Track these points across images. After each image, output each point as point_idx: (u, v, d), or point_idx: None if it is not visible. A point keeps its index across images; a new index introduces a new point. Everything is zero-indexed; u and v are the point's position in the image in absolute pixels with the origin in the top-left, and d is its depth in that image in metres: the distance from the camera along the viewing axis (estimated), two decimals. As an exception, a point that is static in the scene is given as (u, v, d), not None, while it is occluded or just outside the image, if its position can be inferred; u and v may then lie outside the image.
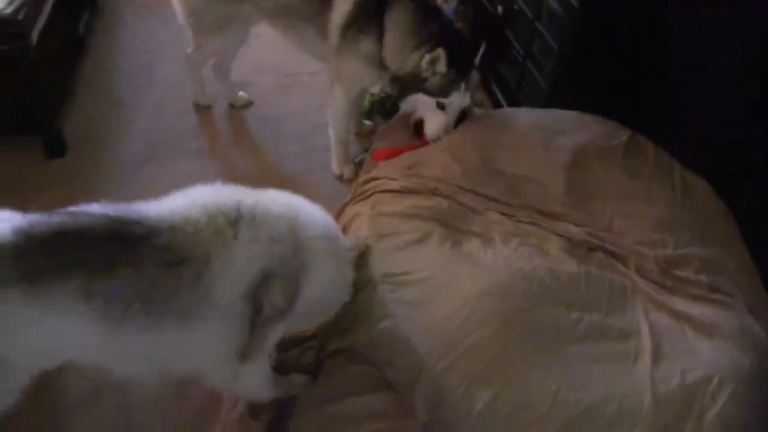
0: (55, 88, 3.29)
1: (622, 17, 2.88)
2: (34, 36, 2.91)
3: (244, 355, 1.81)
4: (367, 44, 2.79)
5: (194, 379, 2.06)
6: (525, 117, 2.88)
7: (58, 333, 1.63)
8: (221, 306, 1.71)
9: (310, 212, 1.93)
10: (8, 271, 1.54)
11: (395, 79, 2.82)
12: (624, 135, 2.79)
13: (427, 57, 2.67)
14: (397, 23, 2.74)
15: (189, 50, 3.28)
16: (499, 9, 3.64)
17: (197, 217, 1.71)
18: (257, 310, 1.75)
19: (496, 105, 3.60)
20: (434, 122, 2.77)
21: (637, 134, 2.82)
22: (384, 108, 3.40)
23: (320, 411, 1.93)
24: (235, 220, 1.73)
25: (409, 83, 2.76)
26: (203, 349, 1.79)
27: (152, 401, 2.28)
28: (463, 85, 2.75)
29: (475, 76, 2.85)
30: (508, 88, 3.57)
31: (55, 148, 3.15)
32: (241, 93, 3.62)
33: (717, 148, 2.75)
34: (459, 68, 2.73)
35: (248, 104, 3.61)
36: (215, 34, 3.11)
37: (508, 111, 3.22)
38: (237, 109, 3.59)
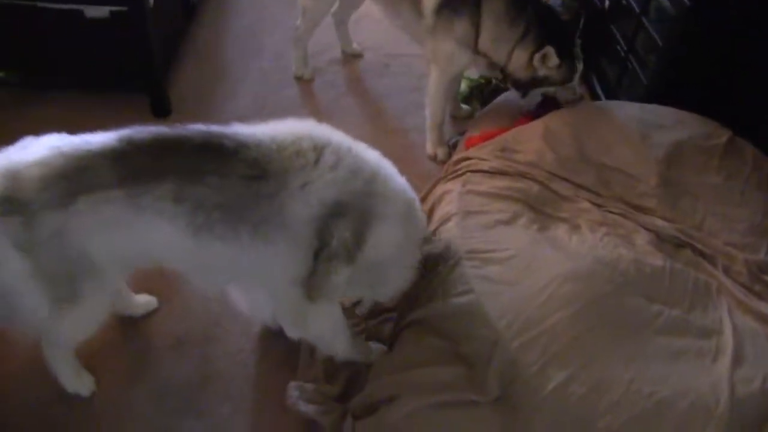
0: (166, 50, 3.42)
1: (734, 19, 2.83)
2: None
3: (312, 290, 1.87)
4: (461, 26, 2.80)
5: (274, 329, 2.14)
6: (623, 110, 2.85)
7: (150, 234, 1.75)
8: (291, 225, 1.78)
9: (396, 177, 1.98)
10: (109, 172, 1.68)
11: (508, 76, 2.87)
12: (723, 135, 2.75)
13: (537, 57, 2.71)
14: (492, 11, 2.75)
15: (298, 22, 3.37)
16: (606, 3, 3.61)
17: (284, 138, 1.80)
18: (325, 242, 1.80)
19: (595, 99, 3.57)
20: None
21: (736, 136, 2.78)
22: (482, 93, 3.42)
23: (392, 378, 1.98)
24: (320, 147, 1.80)
25: (528, 82, 2.81)
26: (272, 267, 1.87)
27: (232, 355, 2.36)
28: (578, 63, 2.81)
29: (580, 57, 2.86)
30: (608, 82, 3.54)
31: (161, 107, 3.28)
32: (355, 45, 3.77)
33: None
34: (569, 54, 2.77)
35: (360, 55, 3.78)
36: None
37: (606, 103, 3.20)
38: (348, 56, 3.76)
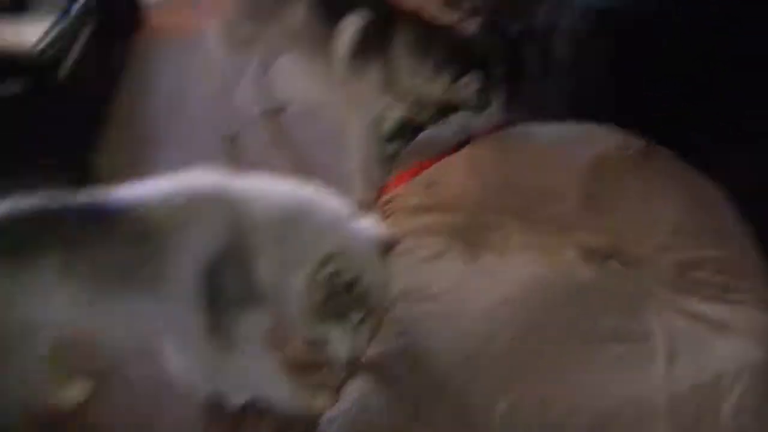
0: (88, 124, 3.39)
1: (638, 34, 2.96)
2: (64, 70, 3.01)
3: (222, 341, 1.88)
4: (375, 71, 2.84)
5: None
6: (541, 131, 2.97)
7: (46, 305, 1.76)
8: (180, 280, 1.80)
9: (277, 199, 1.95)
10: None
11: (427, 106, 2.91)
12: (639, 145, 2.86)
13: (455, 86, 2.77)
14: (406, 49, 2.79)
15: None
16: (516, 29, 3.71)
17: (167, 194, 1.85)
18: (218, 291, 1.82)
19: (516, 123, 3.65)
20: None
21: (651, 144, 2.89)
22: (405, 131, 3.47)
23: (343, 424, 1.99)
24: (201, 200, 1.85)
25: (446, 108, 2.86)
26: (170, 323, 1.89)
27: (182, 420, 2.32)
28: (496, 91, 2.85)
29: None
30: (527, 105, 3.64)
31: (85, 178, 3.10)
32: (278, 96, 3.77)
33: (726, 155, 2.81)
34: (489, 77, 2.82)
35: (283, 107, 3.78)
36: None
37: (525, 127, 3.28)
38: (272, 109, 3.76)
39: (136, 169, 3.28)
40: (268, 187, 1.96)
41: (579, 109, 3.12)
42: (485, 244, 2.41)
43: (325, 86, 3.17)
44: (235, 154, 3.51)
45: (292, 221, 1.89)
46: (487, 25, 3.92)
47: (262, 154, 3.52)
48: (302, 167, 3.43)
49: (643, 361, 2.08)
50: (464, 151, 2.84)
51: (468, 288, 2.18)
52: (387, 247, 1.92)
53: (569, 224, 2.54)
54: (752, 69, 2.80)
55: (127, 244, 1.79)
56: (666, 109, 3.01)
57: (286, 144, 3.64)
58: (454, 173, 2.69)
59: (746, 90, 2.81)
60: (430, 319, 2.10)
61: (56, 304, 1.77)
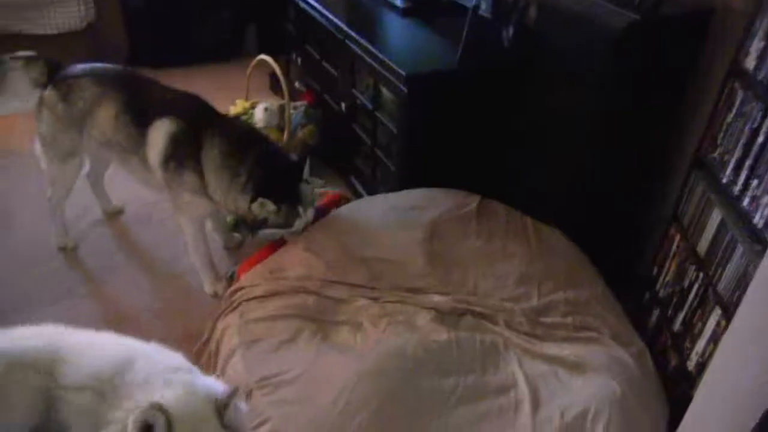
0: None
1: (449, 97, 3.08)
2: None
3: None
4: (190, 177, 2.81)
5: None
6: (377, 203, 3.00)
7: None
8: None
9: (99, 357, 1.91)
10: None
11: (240, 218, 2.89)
12: (473, 201, 2.94)
13: (255, 205, 2.71)
14: (212, 162, 2.77)
15: (48, 193, 3.28)
16: (343, 106, 3.79)
17: None
18: None
19: (358, 196, 3.70)
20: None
21: (485, 198, 2.98)
22: (247, 221, 3.45)
23: None
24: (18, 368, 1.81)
25: (254, 223, 2.80)
26: None
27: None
28: (300, 210, 2.78)
29: (307, 191, 2.87)
30: (365, 178, 3.69)
31: None
32: (114, 202, 3.68)
33: (561, 199, 2.95)
34: (290, 201, 2.77)
35: (121, 210, 3.69)
36: (64, 165, 3.15)
37: (361, 201, 3.32)
38: (110, 214, 3.66)
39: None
40: (95, 345, 1.94)
41: (412, 176, 3.19)
42: (336, 320, 2.39)
43: (152, 189, 3.11)
44: (76, 265, 3.36)
45: (114, 377, 1.83)
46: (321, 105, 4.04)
47: (108, 260, 3.39)
48: (146, 267, 3.33)
49: (509, 412, 2.09)
50: (303, 234, 2.81)
51: (324, 368, 2.13)
52: (224, 403, 1.75)
53: (418, 289, 2.55)
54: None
55: None
56: (494, 162, 3.14)
57: (129, 246, 3.51)
58: (296, 257, 2.66)
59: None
60: (288, 404, 2.04)
61: None
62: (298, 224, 2.79)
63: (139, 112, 2.88)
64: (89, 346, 1.91)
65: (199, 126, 2.81)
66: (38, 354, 1.84)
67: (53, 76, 3.02)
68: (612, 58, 2.56)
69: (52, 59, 3.09)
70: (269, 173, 2.75)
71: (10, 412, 1.75)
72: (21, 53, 3.07)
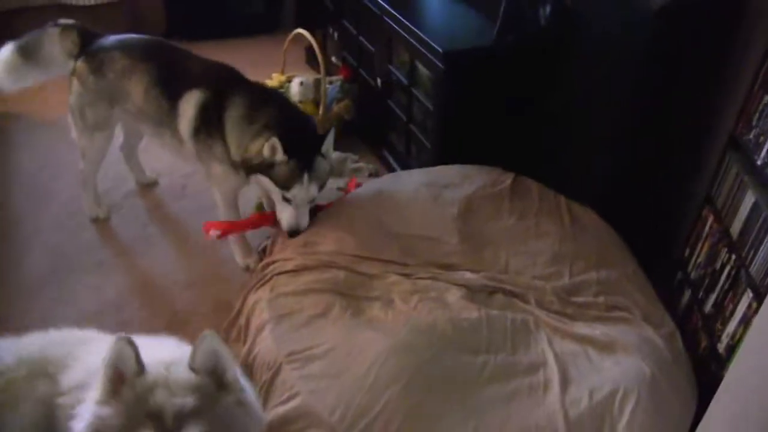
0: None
1: (485, 74, 3.08)
2: None
3: None
4: (219, 148, 2.81)
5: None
6: (411, 178, 2.99)
7: None
8: None
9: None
10: None
11: (243, 163, 2.77)
12: (507, 179, 2.93)
13: (266, 146, 2.59)
14: (233, 119, 2.75)
15: (80, 165, 3.32)
16: (378, 81, 3.79)
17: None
18: None
19: (391, 171, 3.71)
20: (283, 215, 2.71)
21: (520, 176, 2.97)
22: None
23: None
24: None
25: (257, 167, 2.69)
26: None
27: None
28: (306, 177, 2.63)
29: (322, 164, 2.71)
30: (398, 153, 3.70)
31: None
32: (148, 173, 3.70)
33: (595, 179, 2.94)
34: (299, 159, 2.62)
35: (155, 182, 3.71)
36: (93, 137, 3.18)
37: (394, 175, 3.32)
38: (144, 186, 3.68)
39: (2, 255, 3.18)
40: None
41: (447, 152, 3.19)
42: (368, 296, 2.39)
43: (185, 161, 3.13)
44: (108, 237, 3.40)
45: None
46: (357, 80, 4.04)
47: (140, 232, 3.42)
48: (179, 239, 3.37)
49: (539, 390, 2.10)
50: (333, 208, 2.83)
51: (354, 343, 2.13)
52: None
53: (450, 266, 2.56)
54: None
55: None
56: (529, 139, 3.13)
57: (162, 217, 3.55)
58: (328, 231, 2.66)
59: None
60: (316, 379, 2.05)
61: None
62: (295, 191, 2.64)
63: (170, 85, 2.89)
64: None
65: (226, 94, 2.80)
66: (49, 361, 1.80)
67: (86, 47, 3.03)
68: (649, 37, 2.53)
69: (87, 29, 3.10)
70: (288, 124, 2.71)
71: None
72: (62, 21, 3.09)
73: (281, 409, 2.01)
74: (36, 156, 4.00)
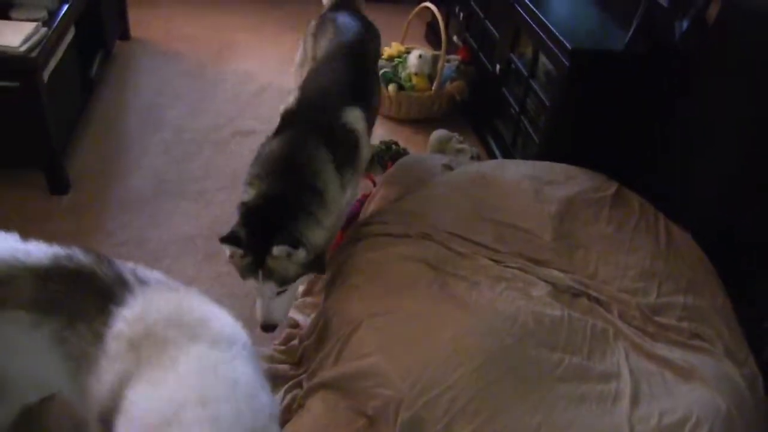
0: (63, 126, 3.36)
1: (610, 78, 3.04)
2: (46, 74, 2.99)
3: None
4: None
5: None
6: (516, 168, 2.98)
7: (44, 364, 1.65)
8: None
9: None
10: (27, 293, 1.59)
11: None
12: (611, 187, 2.90)
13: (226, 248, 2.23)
14: None
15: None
16: (497, 67, 3.78)
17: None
18: None
19: (492, 158, 3.71)
20: (256, 305, 2.31)
21: (623, 187, 2.93)
22: (382, 159, 3.52)
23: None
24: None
25: None
26: None
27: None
28: (260, 273, 2.20)
29: (281, 262, 2.20)
30: (504, 142, 3.69)
31: (58, 185, 3.21)
32: None
33: (704, 206, 2.87)
34: (254, 255, 2.19)
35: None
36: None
37: (499, 162, 3.32)
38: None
39: (109, 178, 3.32)
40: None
41: (554, 151, 3.17)
42: (456, 273, 2.40)
43: None
44: (213, 168, 3.50)
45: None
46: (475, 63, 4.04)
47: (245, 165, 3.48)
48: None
49: (609, 400, 2.07)
50: (437, 182, 2.86)
51: (436, 315, 2.16)
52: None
53: (540, 261, 2.55)
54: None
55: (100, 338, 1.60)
56: (638, 153, 3.08)
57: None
58: (428, 203, 2.70)
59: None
60: (395, 343, 2.09)
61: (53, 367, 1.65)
62: (251, 285, 2.27)
63: None
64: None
65: None
66: None
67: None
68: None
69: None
70: (254, 217, 2.30)
71: None
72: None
73: (355, 364, 2.06)
74: (154, 82, 4.14)
